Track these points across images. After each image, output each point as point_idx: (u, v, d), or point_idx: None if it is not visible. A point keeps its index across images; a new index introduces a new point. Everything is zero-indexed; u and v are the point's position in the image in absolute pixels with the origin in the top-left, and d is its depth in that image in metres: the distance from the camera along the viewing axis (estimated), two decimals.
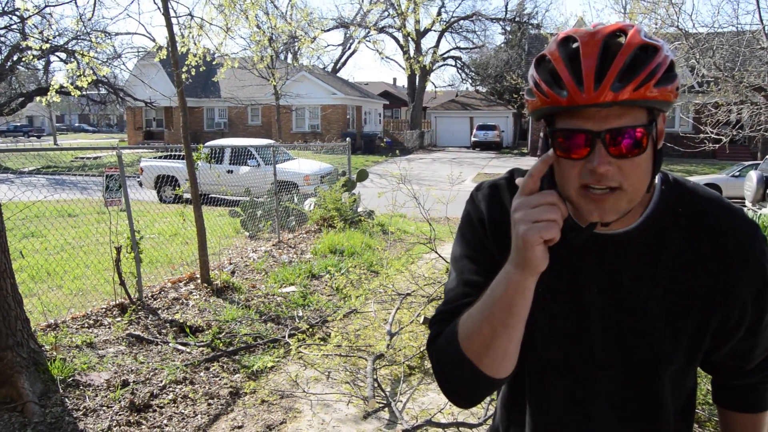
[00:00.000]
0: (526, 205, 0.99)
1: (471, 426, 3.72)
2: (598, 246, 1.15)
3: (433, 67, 46.24)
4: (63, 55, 23.95)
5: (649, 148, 1.02)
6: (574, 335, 1.19)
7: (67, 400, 3.98)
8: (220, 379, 4.49)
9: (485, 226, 1.23)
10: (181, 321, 5.47)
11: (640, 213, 1.14)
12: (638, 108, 0.99)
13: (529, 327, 1.18)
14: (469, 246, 1.26)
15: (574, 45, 1.00)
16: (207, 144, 12.64)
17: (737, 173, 15.96)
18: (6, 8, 21.07)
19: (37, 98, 11.17)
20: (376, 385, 4.23)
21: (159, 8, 6.29)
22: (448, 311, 1.21)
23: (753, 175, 13.25)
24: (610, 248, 1.15)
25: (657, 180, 1.16)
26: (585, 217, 1.07)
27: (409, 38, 37.11)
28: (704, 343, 1.17)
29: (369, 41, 41.23)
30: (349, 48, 48.56)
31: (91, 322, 5.35)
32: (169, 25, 6.26)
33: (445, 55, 48.00)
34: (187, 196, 6.76)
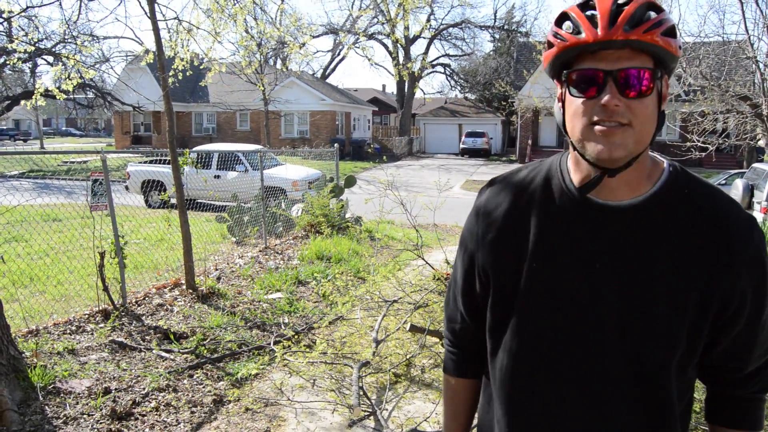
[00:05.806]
0: None
1: None
2: (605, 218, 1.18)
3: (422, 74, 46.36)
4: (50, 59, 23.76)
5: (654, 95, 1.12)
6: (579, 316, 1.20)
7: (47, 407, 3.91)
8: (203, 387, 4.43)
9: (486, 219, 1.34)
10: (165, 327, 5.41)
11: (648, 187, 1.18)
12: (646, 55, 1.11)
13: (521, 313, 1.25)
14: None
15: (590, 4, 1.14)
16: (194, 149, 12.59)
17: (723, 181, 16.06)
18: None
19: (23, 101, 11.06)
20: (361, 393, 4.19)
21: (146, 12, 6.24)
22: (450, 339, 1.53)
23: (739, 184, 13.36)
24: (617, 220, 1.18)
25: (665, 163, 1.23)
26: (593, 156, 1.11)
27: (398, 45, 37.27)
28: (705, 328, 1.18)
29: (358, 48, 41.26)
30: (339, 54, 48.59)
31: (74, 328, 5.28)
32: (156, 30, 6.22)
33: (434, 62, 48.10)
34: (174, 201, 6.70)
